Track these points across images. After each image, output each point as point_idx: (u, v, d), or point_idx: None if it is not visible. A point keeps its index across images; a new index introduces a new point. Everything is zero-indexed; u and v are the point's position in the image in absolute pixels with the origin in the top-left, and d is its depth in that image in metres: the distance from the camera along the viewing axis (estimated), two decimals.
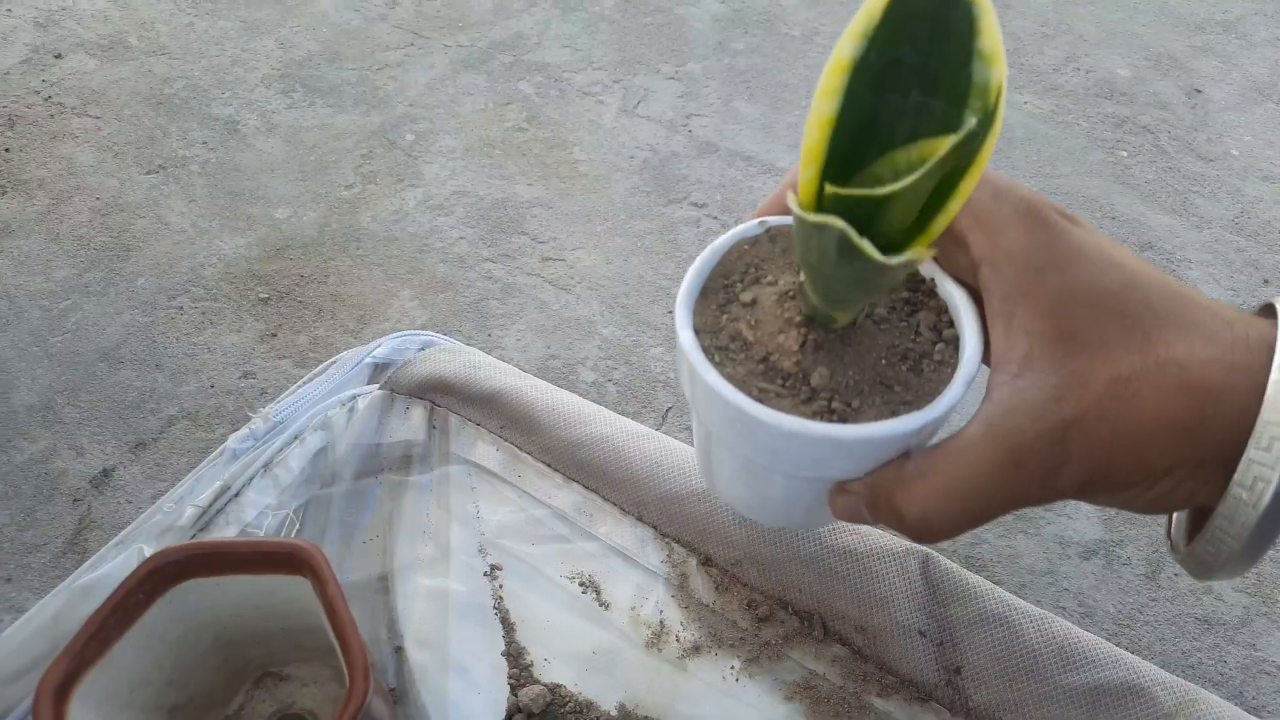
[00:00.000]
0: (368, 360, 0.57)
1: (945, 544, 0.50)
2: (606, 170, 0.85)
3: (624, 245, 0.76)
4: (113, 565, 0.47)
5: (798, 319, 0.32)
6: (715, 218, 0.79)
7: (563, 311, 0.70)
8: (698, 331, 0.33)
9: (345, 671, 0.44)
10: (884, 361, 0.32)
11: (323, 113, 0.93)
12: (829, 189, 0.28)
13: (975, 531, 0.53)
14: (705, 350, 0.33)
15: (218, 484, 0.51)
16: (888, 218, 0.30)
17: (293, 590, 0.39)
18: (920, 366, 0.32)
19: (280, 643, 0.44)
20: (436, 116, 0.92)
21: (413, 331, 0.59)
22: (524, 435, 0.53)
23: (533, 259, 0.75)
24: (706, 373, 0.32)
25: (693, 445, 0.46)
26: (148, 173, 0.85)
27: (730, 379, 0.32)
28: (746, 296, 0.34)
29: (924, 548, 0.46)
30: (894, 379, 0.31)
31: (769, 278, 0.35)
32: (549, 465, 0.52)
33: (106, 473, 0.58)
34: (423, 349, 0.58)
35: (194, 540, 0.47)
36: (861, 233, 0.26)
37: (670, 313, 0.70)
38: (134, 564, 0.47)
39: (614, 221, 0.79)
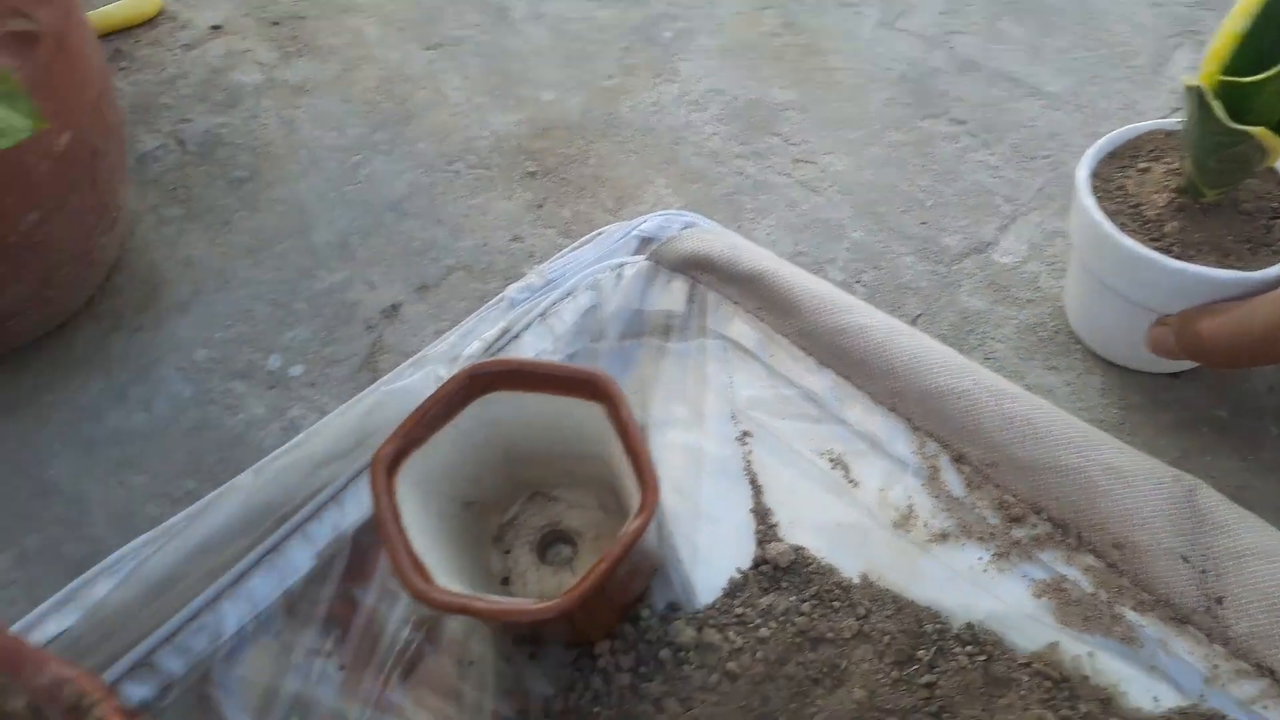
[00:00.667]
0: (634, 233, 0.61)
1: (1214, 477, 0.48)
2: (862, 80, 0.84)
3: (878, 154, 0.76)
4: (411, 380, 0.53)
5: (1174, 186, 0.44)
6: (975, 135, 0.76)
7: (812, 212, 0.70)
8: (1093, 175, 0.47)
9: (611, 498, 0.48)
10: (1229, 237, 0.41)
11: (586, 6, 0.96)
12: (1216, 77, 0.35)
13: (1248, 467, 0.51)
14: (1093, 188, 0.46)
15: (501, 325, 0.56)
16: (1258, 108, 0.31)
17: (582, 415, 0.43)
18: (1258, 250, 0.42)
19: (556, 466, 0.48)
20: (694, 17, 0.93)
21: (676, 211, 0.62)
22: (781, 318, 0.55)
23: (784, 159, 0.76)
24: (1085, 198, 0.45)
25: (948, 346, 0.51)
26: (426, 49, 0.91)
27: (1102, 209, 0.45)
28: (1142, 165, 0.47)
29: (1192, 477, 0.45)
30: (1231, 250, 0.43)
31: (1167, 159, 0.46)
32: (804, 349, 0.54)
33: (395, 307, 0.64)
34: (686, 228, 0.61)
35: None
36: (1234, 118, 0.31)
37: (924, 224, 0.69)
38: (429, 381, 0.53)
39: (868, 130, 0.78)
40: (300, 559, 0.48)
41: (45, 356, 0.63)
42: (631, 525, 0.36)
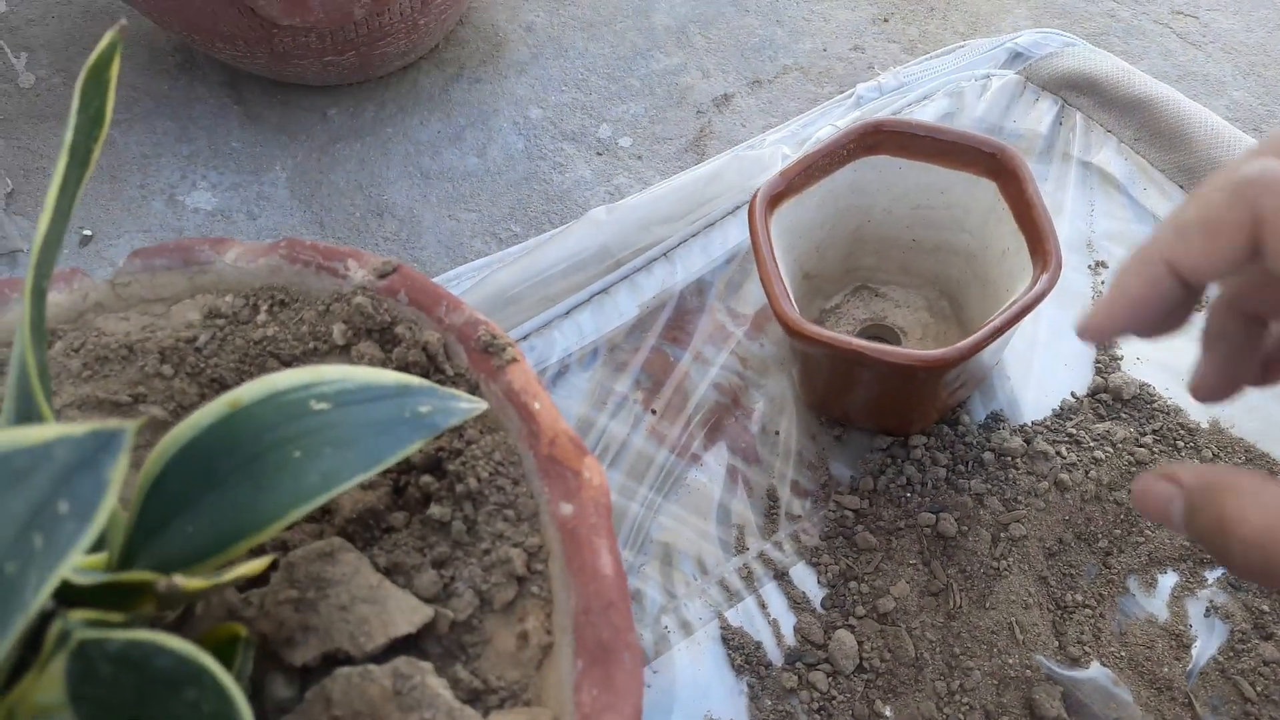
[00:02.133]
0: (1007, 45, 0.57)
1: None
2: None
3: (1270, 17, 0.67)
4: (720, 163, 0.53)
5: None
6: None
7: (1189, 65, 0.64)
8: None
9: (944, 301, 0.47)
10: None
11: None
12: None
13: None
14: None
15: (851, 116, 0.54)
16: None
17: (962, 193, 0.41)
18: None
19: (893, 258, 0.47)
20: None
21: (1056, 31, 0.57)
22: (1163, 151, 0.50)
23: (1162, 9, 0.68)
24: None
25: None
26: None
27: None
28: None
29: None
30: None
31: None
32: (1182, 186, 0.49)
33: (727, 97, 0.64)
34: (1066, 46, 0.56)
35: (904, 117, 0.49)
36: None
37: None
38: (776, 158, 0.52)
39: None
40: (626, 306, 0.50)
41: (390, 93, 0.68)
42: (1030, 293, 0.35)
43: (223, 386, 0.34)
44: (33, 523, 0.18)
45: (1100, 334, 0.26)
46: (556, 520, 0.27)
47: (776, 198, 0.40)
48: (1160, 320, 0.25)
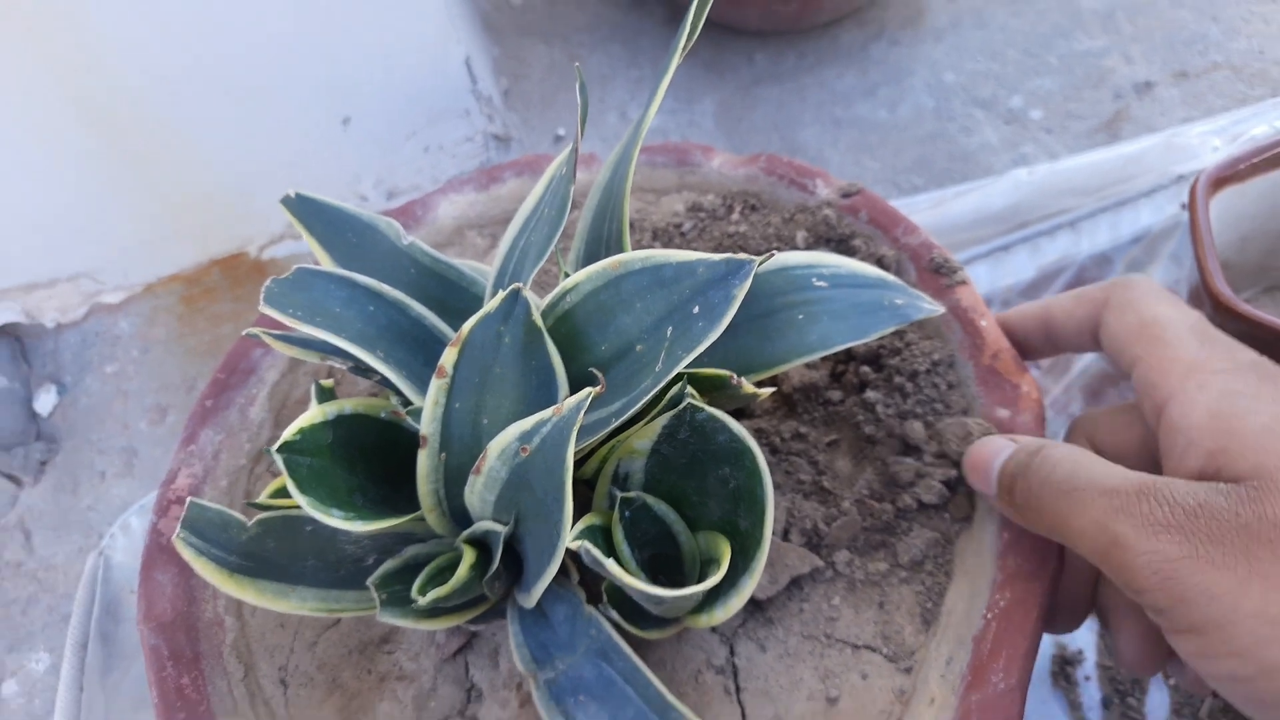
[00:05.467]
0: None
1: None
2: None
3: None
4: (1185, 140, 0.52)
5: None
6: None
7: None
8: None
9: None
10: None
11: None
12: None
13: None
14: None
15: None
16: None
17: None
18: None
19: None
20: None
21: None
22: None
23: None
24: None
25: None
26: None
27: None
28: None
29: None
30: None
31: None
32: None
33: (1148, 84, 0.63)
34: None
35: None
36: None
37: None
38: (1206, 147, 0.51)
39: None
40: (1024, 266, 0.52)
41: (811, 45, 0.73)
42: None
43: None
44: (668, 318, 0.25)
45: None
46: (991, 421, 0.31)
47: (1221, 181, 0.41)
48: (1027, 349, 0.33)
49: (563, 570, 0.30)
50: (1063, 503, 0.25)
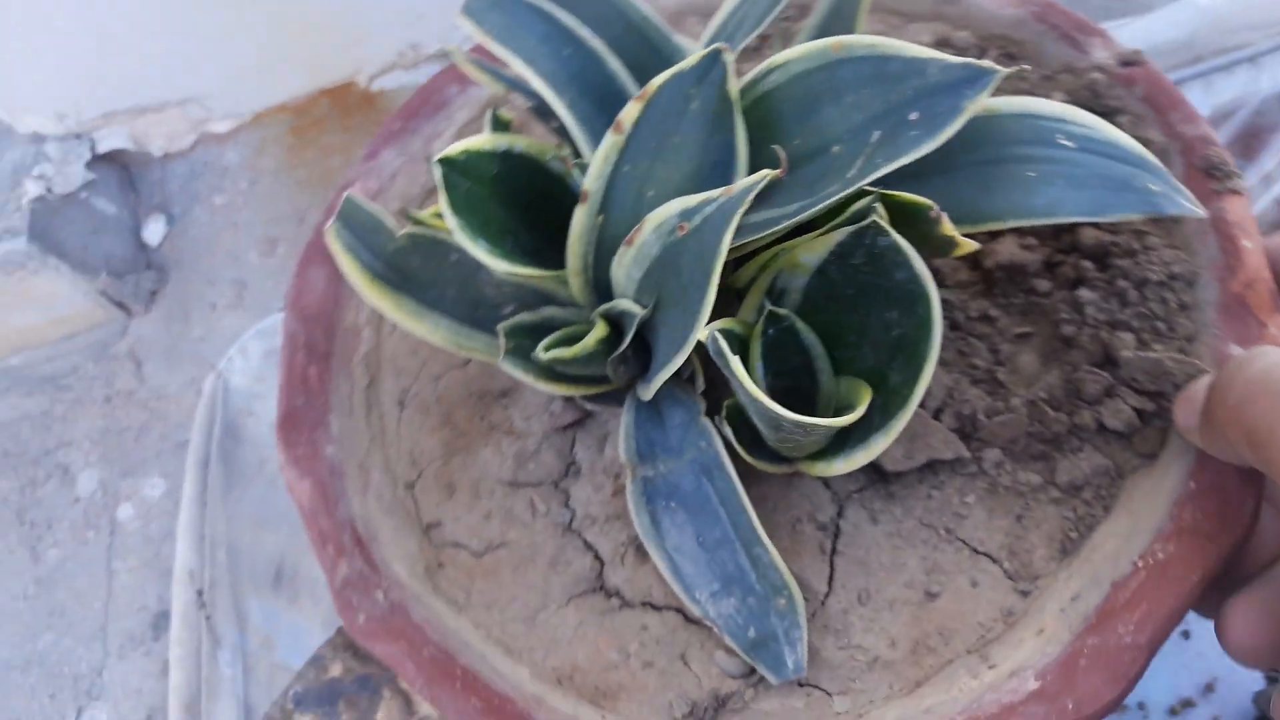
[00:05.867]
0: None
1: None
2: None
3: None
4: None
5: None
6: None
7: None
8: None
9: None
10: None
11: None
12: None
13: None
14: None
15: None
16: None
17: None
18: None
19: None
20: None
21: None
22: None
23: None
24: None
25: None
26: None
27: None
28: None
29: None
30: None
31: None
32: None
33: None
34: None
35: None
36: None
37: None
38: None
39: None
40: (1196, 104, 0.45)
41: None
42: None
43: None
44: (879, 120, 0.22)
45: None
46: (1216, 358, 0.26)
47: None
48: None
49: (689, 378, 0.28)
50: (1272, 408, 0.20)
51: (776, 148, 0.21)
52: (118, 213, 1.13)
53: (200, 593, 0.44)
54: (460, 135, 0.34)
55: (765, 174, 0.20)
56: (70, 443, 1.06)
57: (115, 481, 1.01)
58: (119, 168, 1.14)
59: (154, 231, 1.15)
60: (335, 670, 0.39)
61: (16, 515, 1.03)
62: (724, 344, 0.20)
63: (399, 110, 0.33)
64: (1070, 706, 0.22)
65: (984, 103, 0.22)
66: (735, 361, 0.20)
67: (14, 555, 1.00)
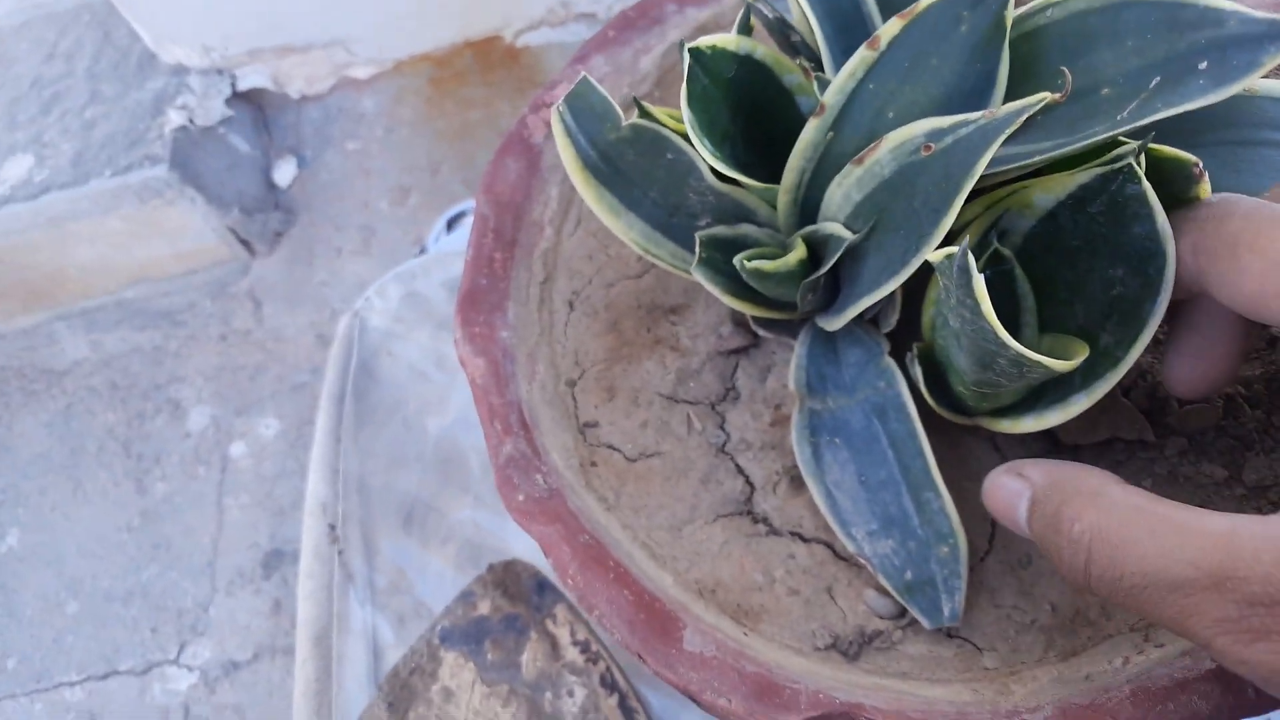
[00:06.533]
0: None
1: None
2: None
3: None
4: None
5: None
6: None
7: None
8: None
9: None
10: None
11: None
12: None
13: None
14: None
15: None
16: None
17: None
18: None
19: None
20: None
21: None
22: None
23: None
24: None
25: None
26: None
27: None
28: None
29: None
30: None
31: None
32: None
33: None
34: None
35: None
36: None
37: None
38: None
39: None
40: None
41: None
42: None
43: None
44: (1160, 66, 0.21)
45: None
46: None
47: None
48: None
49: (873, 320, 0.28)
50: (1119, 598, 0.19)
51: (1064, 69, 0.20)
52: (250, 151, 1.13)
53: (333, 527, 0.45)
54: (668, 53, 0.34)
55: (1044, 96, 0.20)
56: (183, 379, 1.06)
57: (228, 419, 1.02)
58: (254, 107, 1.15)
59: (284, 173, 1.16)
60: (484, 608, 0.40)
61: (124, 447, 1.04)
62: (972, 260, 0.19)
63: (614, 19, 0.33)
64: (1252, 693, 0.21)
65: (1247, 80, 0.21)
66: (979, 281, 0.19)
67: (119, 488, 1.01)
